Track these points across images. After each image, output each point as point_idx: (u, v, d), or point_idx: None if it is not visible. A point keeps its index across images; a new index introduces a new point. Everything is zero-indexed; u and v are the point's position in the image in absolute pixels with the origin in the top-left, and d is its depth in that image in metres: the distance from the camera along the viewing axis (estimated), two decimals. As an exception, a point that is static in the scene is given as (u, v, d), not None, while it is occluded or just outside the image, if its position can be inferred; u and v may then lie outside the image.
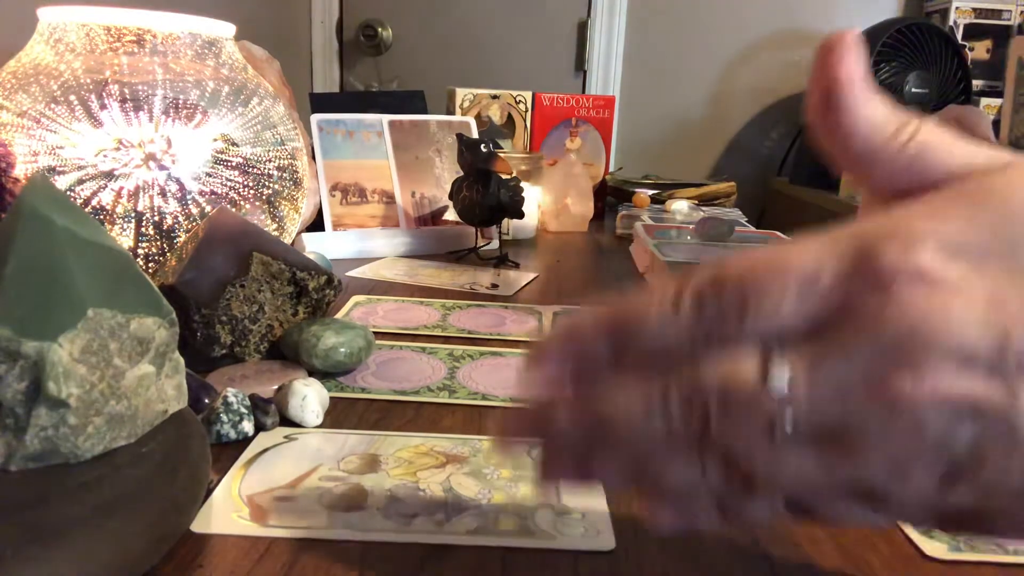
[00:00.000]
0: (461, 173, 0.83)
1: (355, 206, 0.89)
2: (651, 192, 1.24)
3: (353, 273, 0.76)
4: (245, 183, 0.61)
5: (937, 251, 0.19)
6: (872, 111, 0.22)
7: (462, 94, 1.21)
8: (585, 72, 2.12)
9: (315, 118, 0.91)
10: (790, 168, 1.98)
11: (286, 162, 0.64)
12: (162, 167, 0.56)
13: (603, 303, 0.22)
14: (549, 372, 0.23)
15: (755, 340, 0.19)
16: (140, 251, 0.56)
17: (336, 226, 0.86)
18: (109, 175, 0.54)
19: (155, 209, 0.56)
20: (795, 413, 0.19)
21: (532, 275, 0.79)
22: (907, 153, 0.22)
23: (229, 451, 0.37)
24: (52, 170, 0.53)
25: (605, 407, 0.21)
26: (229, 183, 0.59)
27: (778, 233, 0.92)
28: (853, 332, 0.19)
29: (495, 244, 0.89)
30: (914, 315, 0.18)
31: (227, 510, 0.32)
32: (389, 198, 0.91)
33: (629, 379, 0.21)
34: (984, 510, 0.20)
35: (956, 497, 0.19)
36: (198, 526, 0.31)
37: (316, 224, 0.88)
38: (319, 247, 0.80)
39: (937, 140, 0.22)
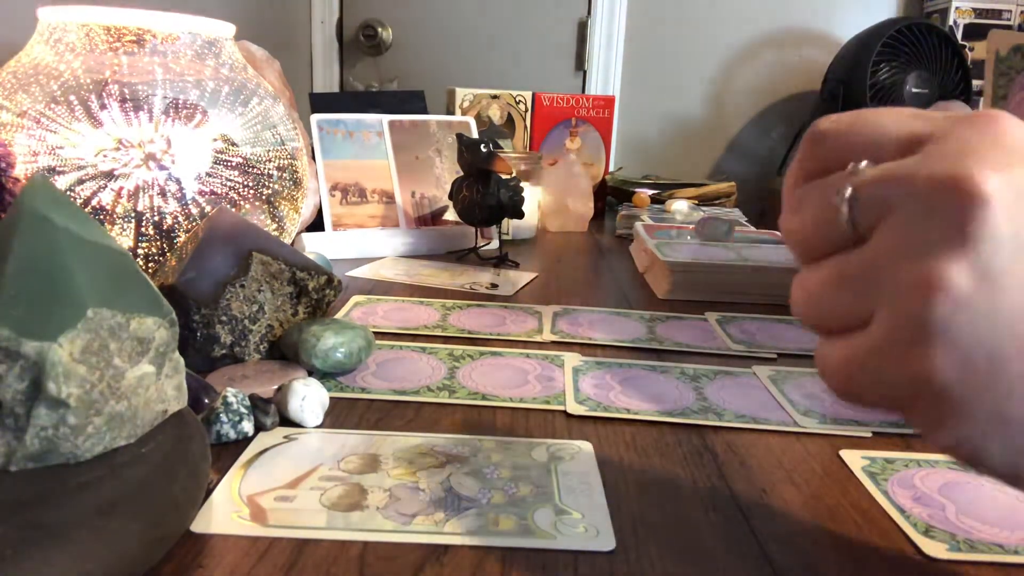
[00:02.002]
0: (461, 173, 0.83)
1: (355, 206, 0.89)
2: (651, 192, 1.24)
3: (353, 273, 0.76)
4: (245, 183, 0.61)
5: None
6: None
7: (462, 94, 1.21)
8: (585, 72, 2.11)
9: (315, 118, 0.91)
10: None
11: (286, 162, 0.64)
12: (162, 167, 0.56)
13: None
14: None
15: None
16: (140, 251, 0.56)
17: (336, 226, 0.86)
18: (109, 175, 0.54)
19: (155, 209, 0.56)
20: (853, 189, 0.24)
21: (532, 275, 0.80)
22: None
23: (229, 451, 0.37)
24: (52, 170, 0.53)
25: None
26: (229, 183, 0.59)
27: (778, 233, 0.92)
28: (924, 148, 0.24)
29: (495, 244, 0.89)
30: (966, 143, 0.23)
31: (227, 510, 0.32)
32: (389, 198, 0.91)
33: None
34: (986, 371, 0.23)
35: (966, 326, 0.23)
36: (198, 526, 0.31)
37: (316, 224, 0.88)
38: (319, 247, 0.80)
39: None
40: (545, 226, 1.08)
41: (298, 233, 0.82)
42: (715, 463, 0.39)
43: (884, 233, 0.23)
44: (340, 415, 0.43)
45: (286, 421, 0.41)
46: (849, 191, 0.24)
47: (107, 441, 0.29)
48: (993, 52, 0.37)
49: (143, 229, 0.56)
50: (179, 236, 0.57)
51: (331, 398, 0.44)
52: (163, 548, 0.28)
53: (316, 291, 0.51)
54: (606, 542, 0.31)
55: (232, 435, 0.38)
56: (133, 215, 0.55)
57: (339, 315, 0.61)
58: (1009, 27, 1.88)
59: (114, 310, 0.30)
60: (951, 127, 0.24)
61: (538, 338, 0.58)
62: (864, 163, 0.25)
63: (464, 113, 1.20)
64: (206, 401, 0.40)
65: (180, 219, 0.57)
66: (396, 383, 0.47)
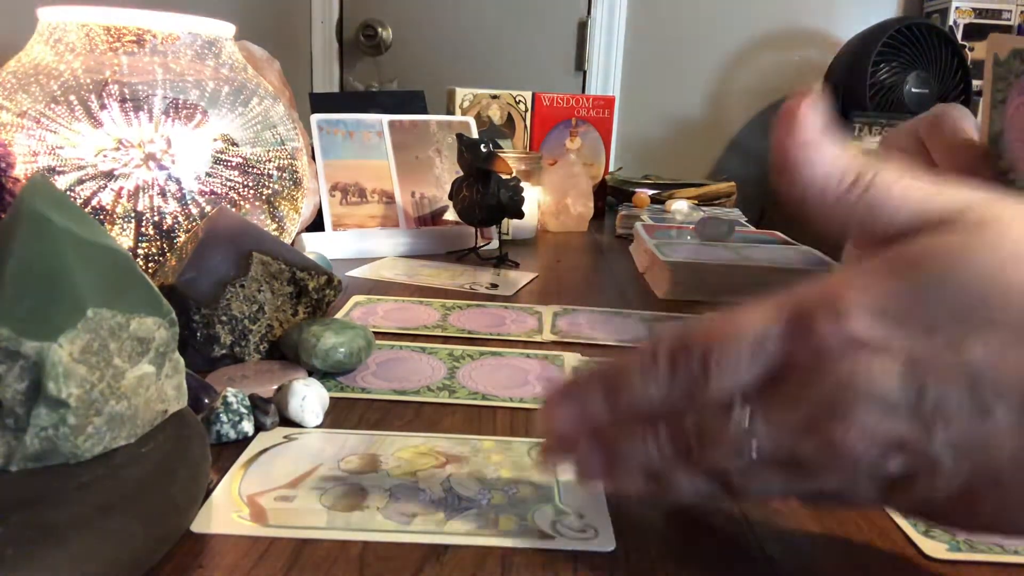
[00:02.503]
0: (461, 173, 0.83)
1: (355, 206, 0.89)
2: (651, 192, 1.24)
3: (353, 273, 0.76)
4: (245, 183, 0.61)
5: (863, 317, 0.22)
6: (828, 165, 0.25)
7: (462, 94, 1.21)
8: (585, 72, 2.12)
9: (315, 118, 0.91)
10: (790, 168, 1.98)
11: (286, 162, 0.64)
12: (162, 167, 0.56)
13: (595, 366, 0.27)
14: (560, 426, 0.27)
15: (721, 390, 0.24)
16: (140, 251, 0.56)
17: (336, 226, 0.86)
18: (109, 175, 0.54)
19: (155, 209, 0.56)
20: (758, 444, 0.23)
21: (532, 275, 0.80)
22: (864, 202, 0.25)
23: (229, 451, 0.37)
24: (52, 170, 0.53)
25: (610, 443, 0.26)
26: (229, 183, 0.59)
27: (778, 233, 0.92)
28: (796, 386, 0.23)
29: (495, 244, 0.89)
30: (842, 374, 0.22)
31: (227, 510, 0.32)
32: (389, 198, 0.91)
33: (626, 423, 0.26)
34: (926, 511, 0.24)
35: (899, 500, 0.24)
36: (198, 526, 0.31)
37: (316, 224, 0.88)
38: (319, 247, 0.80)
39: (895, 185, 0.25)
40: (545, 226, 1.08)
41: (298, 233, 0.82)
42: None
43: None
44: (340, 415, 0.43)
45: (286, 421, 0.41)
46: (754, 452, 0.23)
47: (107, 441, 0.29)
48: (991, 56, 0.37)
49: (143, 229, 0.56)
50: (179, 236, 0.57)
51: (331, 398, 0.44)
52: (163, 548, 0.28)
53: (316, 291, 0.51)
54: (606, 542, 0.31)
55: (232, 435, 0.38)
56: (133, 215, 0.55)
57: (339, 315, 0.61)
58: (1009, 27, 1.88)
59: (114, 310, 0.30)
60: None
61: (538, 338, 0.58)
62: (746, 411, 0.24)
63: (464, 113, 1.20)
64: (206, 401, 0.40)
65: (180, 219, 0.57)
66: (396, 383, 0.47)
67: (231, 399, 0.39)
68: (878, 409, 0.22)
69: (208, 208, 0.58)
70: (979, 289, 0.21)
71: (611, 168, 1.33)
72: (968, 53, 1.80)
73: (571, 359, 0.53)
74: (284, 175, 0.64)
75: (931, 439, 0.22)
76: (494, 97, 1.21)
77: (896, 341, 0.22)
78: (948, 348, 0.21)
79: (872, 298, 0.22)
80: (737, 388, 0.24)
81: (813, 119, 0.25)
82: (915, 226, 0.24)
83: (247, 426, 0.39)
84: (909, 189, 0.24)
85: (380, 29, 2.11)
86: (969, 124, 0.43)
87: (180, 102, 0.57)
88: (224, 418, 0.38)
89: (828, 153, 0.25)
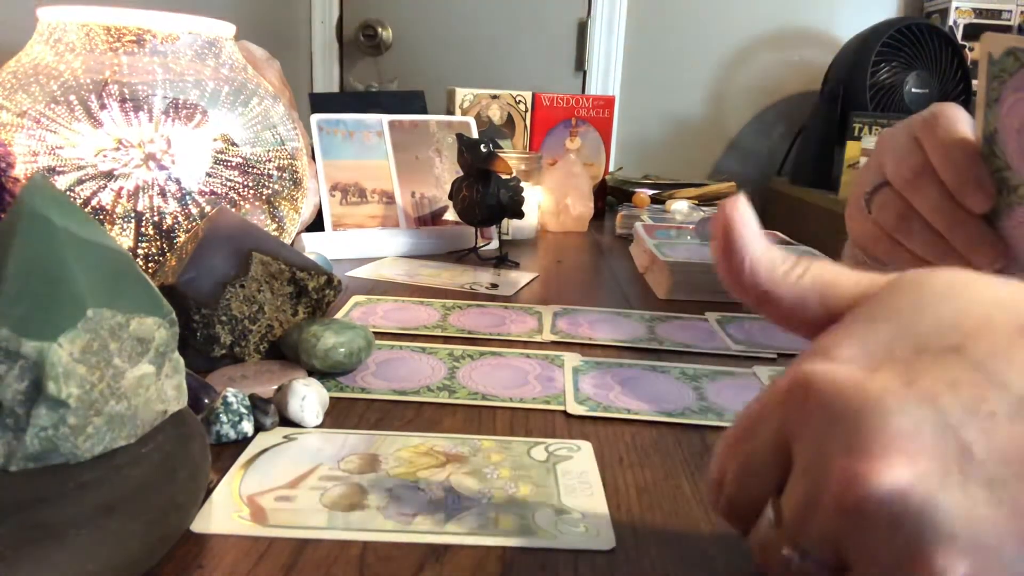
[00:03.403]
0: (461, 173, 0.83)
1: (355, 206, 0.89)
2: (651, 192, 1.24)
3: (353, 273, 0.76)
4: (245, 183, 0.61)
5: (849, 358, 0.22)
6: (769, 252, 0.26)
7: (462, 94, 1.21)
8: (585, 72, 2.11)
9: (315, 118, 0.91)
10: (790, 168, 1.98)
11: (286, 162, 0.64)
12: (162, 167, 0.56)
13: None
14: None
15: None
16: (140, 251, 0.56)
17: (336, 226, 0.86)
18: (109, 175, 0.54)
19: (155, 209, 0.56)
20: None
21: (532, 275, 0.79)
22: (803, 284, 0.26)
23: (229, 451, 0.37)
24: (52, 170, 0.53)
25: None
26: (229, 183, 0.59)
27: (778, 233, 0.92)
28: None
29: (495, 244, 0.89)
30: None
31: (227, 510, 0.32)
32: (389, 198, 0.91)
33: None
34: None
35: None
36: (198, 526, 0.31)
37: (316, 224, 0.88)
38: (319, 247, 0.80)
39: (827, 272, 0.26)
40: (545, 226, 1.08)
41: (298, 233, 0.82)
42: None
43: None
44: (340, 415, 0.43)
45: (286, 421, 0.41)
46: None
47: (107, 441, 0.29)
48: (986, 55, 0.37)
49: (143, 229, 0.56)
50: (179, 236, 0.57)
51: (331, 398, 0.44)
52: (163, 548, 0.28)
53: (316, 291, 0.51)
54: (606, 542, 0.31)
55: (232, 435, 0.38)
56: (133, 215, 0.55)
57: (339, 315, 0.61)
58: (1009, 27, 1.88)
59: (114, 310, 0.30)
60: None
61: (538, 338, 0.58)
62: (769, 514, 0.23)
63: (464, 113, 1.20)
64: (206, 401, 0.40)
65: (180, 219, 0.57)
66: (396, 383, 0.47)
67: (231, 399, 0.39)
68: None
69: (208, 208, 0.58)
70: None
71: (611, 168, 1.33)
72: (968, 53, 1.80)
73: (571, 359, 0.53)
74: (284, 175, 0.64)
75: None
76: (494, 97, 1.21)
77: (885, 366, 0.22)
78: None
79: (855, 341, 0.23)
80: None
81: (749, 212, 0.27)
82: (855, 299, 0.25)
83: (247, 426, 0.39)
84: (841, 275, 0.26)
85: (380, 29, 2.11)
86: (964, 123, 0.43)
87: (180, 102, 0.57)
88: (224, 418, 0.38)
89: (767, 243, 0.27)
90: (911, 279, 0.24)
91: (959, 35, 1.87)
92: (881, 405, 0.20)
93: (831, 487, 0.20)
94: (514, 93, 1.22)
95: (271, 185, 0.63)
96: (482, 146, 0.80)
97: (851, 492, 0.19)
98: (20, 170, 0.53)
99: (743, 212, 0.27)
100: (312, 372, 0.47)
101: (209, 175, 0.58)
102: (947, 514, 0.19)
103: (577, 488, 0.35)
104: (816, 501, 0.21)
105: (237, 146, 0.60)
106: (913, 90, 1.74)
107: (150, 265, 0.56)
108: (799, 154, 1.94)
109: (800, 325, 0.27)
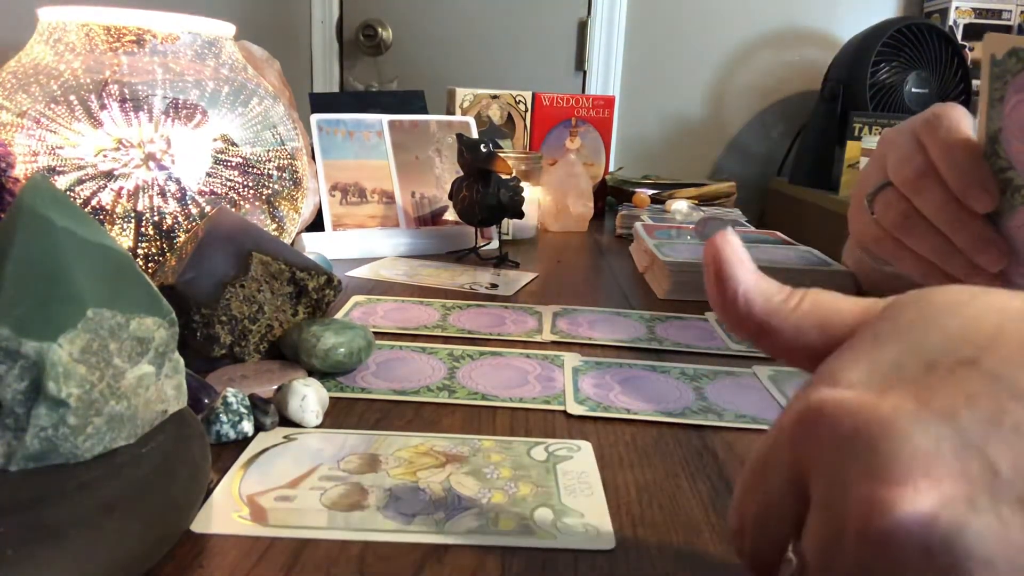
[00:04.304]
0: (461, 173, 0.83)
1: (355, 206, 0.89)
2: (651, 192, 1.24)
3: (353, 273, 0.76)
4: (245, 183, 0.61)
5: (858, 381, 0.22)
6: (763, 283, 0.26)
7: (462, 94, 1.21)
8: (585, 72, 2.12)
9: (315, 118, 0.91)
10: (790, 168, 1.98)
11: (286, 162, 0.64)
12: (162, 167, 0.56)
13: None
14: None
15: None
16: (140, 251, 0.56)
17: (336, 226, 0.86)
18: (109, 175, 0.54)
19: (155, 209, 0.56)
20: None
21: (532, 275, 0.79)
22: (801, 312, 0.25)
23: (229, 451, 0.37)
24: (52, 170, 0.53)
25: None
26: (229, 183, 0.59)
27: (778, 233, 0.92)
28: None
29: (495, 244, 0.89)
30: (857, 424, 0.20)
31: (227, 510, 0.32)
32: (389, 198, 0.91)
33: None
34: None
35: None
36: (198, 526, 0.31)
37: (316, 224, 0.88)
38: (319, 247, 0.80)
39: (825, 299, 0.26)
40: (545, 226, 1.08)
41: (298, 233, 0.82)
42: (715, 463, 0.39)
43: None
44: (340, 415, 0.43)
45: (286, 421, 0.41)
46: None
47: (107, 441, 0.29)
48: (988, 55, 0.37)
49: (143, 229, 0.56)
50: (179, 236, 0.57)
51: (331, 398, 0.44)
52: (163, 548, 0.28)
53: (316, 291, 0.51)
54: (606, 542, 0.31)
55: (232, 435, 0.38)
56: (133, 215, 0.55)
57: (339, 315, 0.61)
58: (1009, 27, 1.88)
59: (114, 310, 0.30)
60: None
61: (538, 338, 0.58)
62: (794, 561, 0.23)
63: (464, 113, 1.20)
64: (206, 401, 0.40)
65: (180, 219, 0.57)
66: (396, 383, 0.47)
67: (231, 399, 0.39)
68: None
69: (208, 208, 0.58)
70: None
71: (611, 168, 1.33)
72: (968, 53, 1.80)
73: (571, 359, 0.53)
74: (284, 175, 0.64)
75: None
76: (494, 97, 1.21)
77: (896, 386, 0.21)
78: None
79: (863, 360, 0.22)
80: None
81: (739, 245, 0.27)
82: (855, 324, 0.25)
83: (247, 426, 0.39)
84: (838, 301, 0.26)
85: (380, 29, 2.11)
86: (966, 123, 0.43)
87: (180, 102, 0.57)
88: (224, 418, 0.38)
89: (759, 274, 0.26)
90: (913, 297, 0.24)
91: (959, 35, 1.87)
92: (897, 427, 0.19)
93: (853, 518, 0.19)
94: (514, 93, 1.22)
95: (271, 185, 0.63)
96: (482, 146, 0.80)
97: (875, 522, 0.18)
98: (20, 170, 0.53)
99: (733, 244, 0.26)
100: (312, 372, 0.47)
101: (209, 175, 0.58)
102: (980, 538, 0.18)
103: (577, 488, 0.35)
104: (839, 535, 0.19)
105: (237, 146, 0.60)
106: (913, 90, 1.74)
107: (150, 265, 0.56)
108: (799, 154, 1.94)
109: (801, 356, 0.26)
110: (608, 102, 1.23)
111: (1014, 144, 0.39)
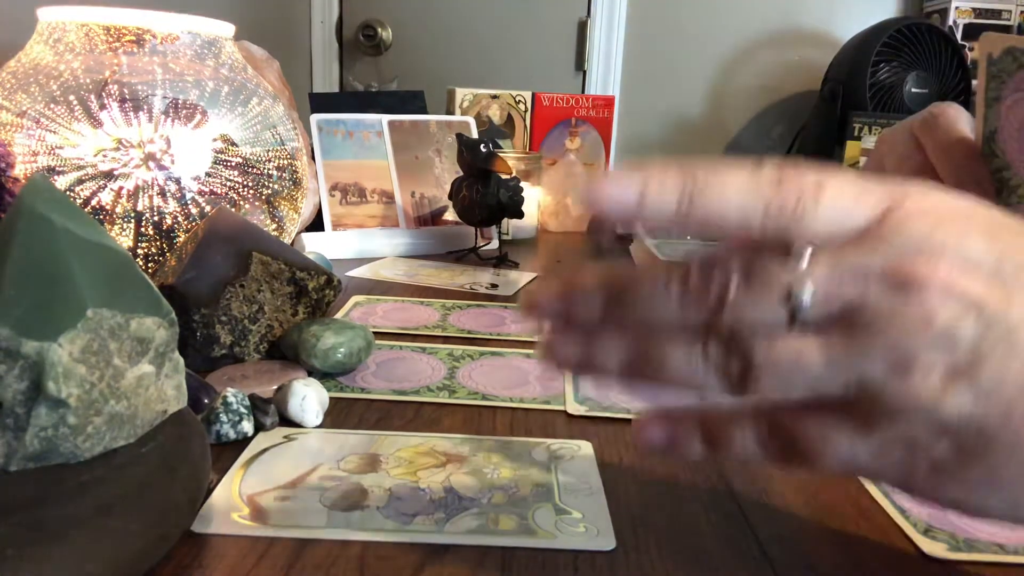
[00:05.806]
0: (461, 173, 0.83)
1: (355, 206, 0.89)
2: (651, 192, 1.24)
3: (353, 273, 0.76)
4: (245, 183, 0.61)
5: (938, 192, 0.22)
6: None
7: (462, 94, 1.21)
8: (585, 72, 2.11)
9: (315, 118, 0.91)
10: (790, 168, 1.98)
11: (286, 162, 0.64)
12: (162, 167, 0.56)
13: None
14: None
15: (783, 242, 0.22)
16: (140, 251, 0.56)
17: (336, 226, 0.86)
18: (109, 175, 0.54)
19: (155, 209, 0.56)
20: (815, 288, 0.21)
21: (532, 275, 0.79)
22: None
23: (229, 451, 0.37)
24: (52, 170, 0.53)
25: (623, 277, 0.23)
26: (229, 183, 0.59)
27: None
28: (876, 238, 0.21)
29: (495, 244, 0.89)
30: (925, 228, 0.21)
31: (227, 510, 0.32)
32: (389, 198, 0.91)
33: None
34: (973, 446, 0.21)
35: (952, 404, 0.21)
36: (198, 526, 0.31)
37: (316, 224, 0.88)
38: (319, 247, 0.80)
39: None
40: (545, 226, 1.08)
41: (298, 233, 0.82)
42: (715, 463, 0.39)
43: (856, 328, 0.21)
44: (340, 415, 0.43)
45: (286, 421, 0.41)
46: (808, 293, 0.21)
47: (107, 441, 0.29)
48: (985, 55, 0.37)
49: (143, 229, 0.56)
50: (179, 236, 0.57)
51: (331, 398, 0.44)
52: (163, 548, 0.28)
53: (316, 291, 0.51)
54: (606, 542, 0.31)
55: (232, 435, 0.38)
56: (133, 215, 0.55)
57: (339, 315, 0.61)
58: (1008, 27, 1.88)
59: (114, 310, 0.29)
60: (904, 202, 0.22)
61: (538, 338, 0.58)
62: (809, 250, 0.21)
63: (464, 113, 1.20)
64: (206, 401, 0.40)
65: (180, 219, 0.57)
66: (396, 383, 0.47)
67: (231, 399, 0.39)
68: (960, 262, 0.21)
69: (208, 208, 0.58)
70: None
71: (611, 168, 1.32)
72: (968, 53, 1.80)
73: (571, 359, 0.53)
74: (284, 175, 0.64)
75: (1010, 305, 0.21)
76: (494, 97, 1.21)
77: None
78: None
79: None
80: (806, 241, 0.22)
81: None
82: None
83: (247, 426, 0.39)
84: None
85: (380, 29, 2.11)
86: (964, 122, 0.43)
87: (180, 102, 0.57)
88: (224, 418, 0.38)
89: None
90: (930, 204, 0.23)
91: (959, 35, 1.87)
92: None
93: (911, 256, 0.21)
94: (514, 93, 1.22)
95: (271, 185, 0.63)
96: (482, 146, 0.80)
97: (920, 268, 0.21)
98: (20, 170, 0.53)
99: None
100: (312, 372, 0.47)
101: (209, 175, 0.58)
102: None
103: (577, 488, 0.35)
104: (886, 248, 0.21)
105: (237, 146, 0.60)
106: (913, 90, 1.74)
107: (150, 265, 0.56)
108: (799, 154, 1.94)
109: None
110: (608, 102, 1.23)
111: (1011, 144, 0.39)
